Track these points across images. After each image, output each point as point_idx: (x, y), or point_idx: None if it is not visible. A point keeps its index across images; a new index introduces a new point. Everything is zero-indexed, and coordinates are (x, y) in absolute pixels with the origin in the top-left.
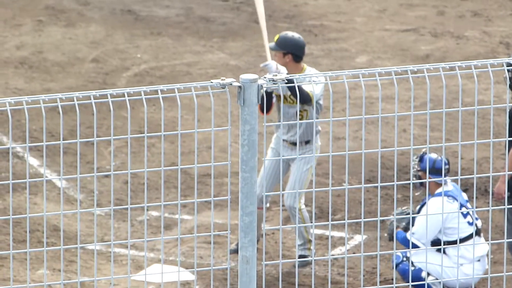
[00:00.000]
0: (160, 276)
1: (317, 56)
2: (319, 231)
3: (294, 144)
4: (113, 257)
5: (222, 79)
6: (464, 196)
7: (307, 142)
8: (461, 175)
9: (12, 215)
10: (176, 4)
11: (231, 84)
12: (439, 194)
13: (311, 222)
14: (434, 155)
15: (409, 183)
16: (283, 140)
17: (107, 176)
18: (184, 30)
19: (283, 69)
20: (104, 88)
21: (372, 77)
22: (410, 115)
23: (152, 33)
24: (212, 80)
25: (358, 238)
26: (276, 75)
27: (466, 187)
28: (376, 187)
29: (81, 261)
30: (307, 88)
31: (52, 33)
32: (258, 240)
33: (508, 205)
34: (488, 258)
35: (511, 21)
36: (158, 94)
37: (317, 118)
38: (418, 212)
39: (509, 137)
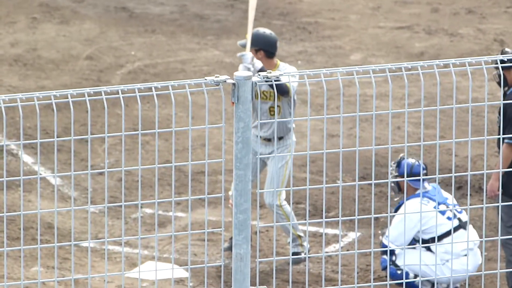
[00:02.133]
0: (154, 273)
1: (311, 53)
2: (313, 229)
3: (268, 140)
4: (107, 255)
5: (216, 76)
6: (444, 193)
7: (280, 138)
8: (455, 173)
9: (6, 212)
10: (170, 2)
11: (225, 81)
12: (414, 196)
13: (304, 219)
14: (412, 160)
15: (403, 181)
16: (258, 136)
17: (101, 173)
18: (178, 28)
19: (258, 62)
20: (98, 86)
21: (366, 75)
22: (404, 113)
23: (146, 31)
24: (206, 77)
25: (352, 236)
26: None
27: (460, 185)
28: (370, 184)
29: (75, 259)
30: (284, 80)
31: (46, 31)
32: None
33: (501, 202)
34: (482, 254)
35: (505, 18)
36: (152, 92)
37: (290, 114)
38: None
39: (500, 134)
